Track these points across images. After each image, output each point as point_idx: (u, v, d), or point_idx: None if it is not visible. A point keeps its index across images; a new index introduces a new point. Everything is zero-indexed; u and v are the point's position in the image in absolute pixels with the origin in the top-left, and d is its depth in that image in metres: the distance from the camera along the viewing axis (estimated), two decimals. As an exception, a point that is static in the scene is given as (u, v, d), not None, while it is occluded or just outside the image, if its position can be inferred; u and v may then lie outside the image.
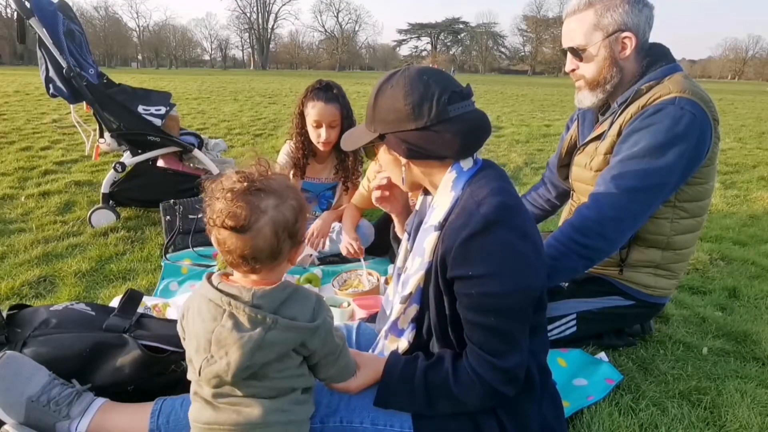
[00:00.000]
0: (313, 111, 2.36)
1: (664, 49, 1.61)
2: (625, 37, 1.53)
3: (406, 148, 1.08)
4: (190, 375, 1.02)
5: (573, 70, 1.64)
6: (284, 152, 2.61)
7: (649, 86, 1.53)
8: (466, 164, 1.11)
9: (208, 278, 1.00)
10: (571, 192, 1.88)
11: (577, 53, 1.60)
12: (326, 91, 2.37)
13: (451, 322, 1.10)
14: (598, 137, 1.64)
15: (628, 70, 1.59)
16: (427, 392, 1.08)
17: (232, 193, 0.90)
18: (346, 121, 2.39)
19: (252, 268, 0.95)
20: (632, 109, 1.53)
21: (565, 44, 1.63)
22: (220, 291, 0.95)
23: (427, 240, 1.10)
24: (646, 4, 1.54)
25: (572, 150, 1.85)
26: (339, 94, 2.38)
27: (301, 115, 2.46)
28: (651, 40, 1.60)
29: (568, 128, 1.93)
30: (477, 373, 1.04)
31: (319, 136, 2.40)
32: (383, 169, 1.23)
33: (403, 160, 1.12)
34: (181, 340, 1.03)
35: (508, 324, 1.01)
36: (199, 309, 0.97)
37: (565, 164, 1.91)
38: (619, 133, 1.54)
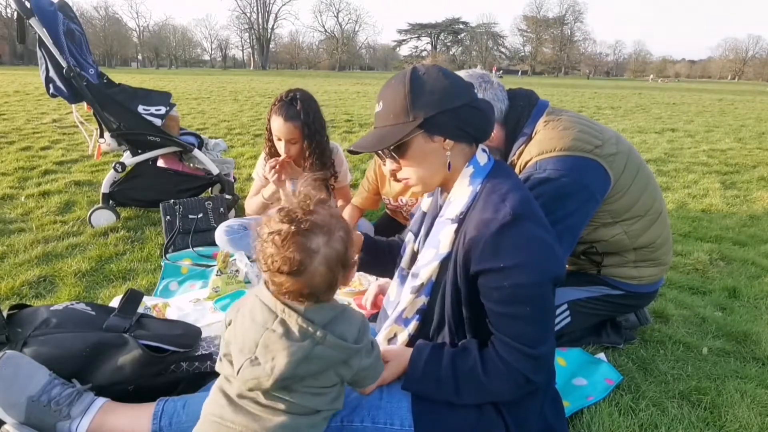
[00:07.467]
0: (274, 125, 2.30)
1: (519, 102, 1.58)
2: None
3: (454, 127, 1.08)
4: (221, 369, 1.02)
5: None
6: (260, 164, 2.56)
7: (520, 152, 1.56)
8: (482, 159, 1.14)
9: (266, 283, 1.00)
10: None
11: None
12: (288, 107, 2.26)
13: (468, 316, 1.12)
14: None
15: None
16: (455, 379, 1.08)
17: (279, 236, 0.89)
18: (308, 138, 2.30)
19: (310, 299, 0.96)
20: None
21: None
22: (276, 297, 0.96)
23: (443, 232, 1.12)
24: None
25: None
26: (303, 110, 2.25)
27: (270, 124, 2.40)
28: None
29: None
30: (508, 363, 1.04)
31: (280, 149, 2.36)
32: (414, 167, 1.13)
33: (450, 144, 1.10)
34: (224, 331, 1.03)
35: (540, 313, 1.03)
36: (252, 309, 0.97)
37: None
38: None
